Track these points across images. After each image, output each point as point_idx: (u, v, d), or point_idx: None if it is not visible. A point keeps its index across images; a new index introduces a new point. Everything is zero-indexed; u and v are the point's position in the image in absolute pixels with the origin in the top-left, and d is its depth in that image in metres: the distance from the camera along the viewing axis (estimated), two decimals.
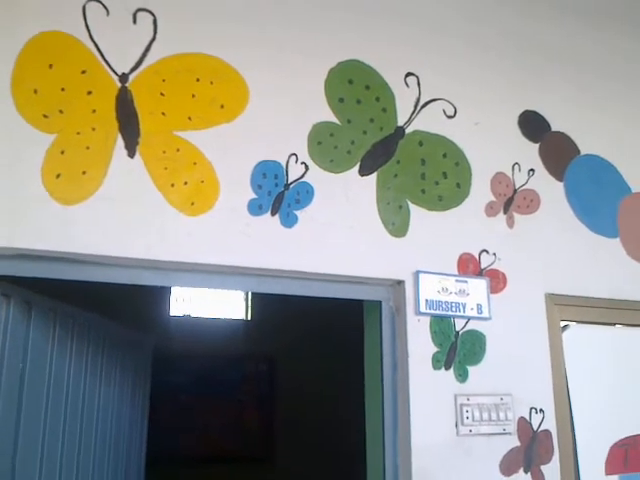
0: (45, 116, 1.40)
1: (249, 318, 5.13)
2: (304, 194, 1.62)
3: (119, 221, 1.41)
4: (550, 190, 1.98)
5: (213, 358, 4.76)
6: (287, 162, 1.62)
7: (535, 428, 1.72)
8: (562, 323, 1.86)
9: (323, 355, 4.69)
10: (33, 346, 1.59)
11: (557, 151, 2.04)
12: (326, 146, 1.68)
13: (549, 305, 1.84)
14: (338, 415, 4.46)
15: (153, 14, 1.58)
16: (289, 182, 1.61)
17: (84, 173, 1.40)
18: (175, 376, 4.61)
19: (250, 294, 5.09)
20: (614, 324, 1.95)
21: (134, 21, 1.55)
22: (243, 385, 4.89)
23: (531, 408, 1.73)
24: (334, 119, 1.71)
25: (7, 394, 1.42)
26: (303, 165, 1.64)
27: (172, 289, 4.83)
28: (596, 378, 1.86)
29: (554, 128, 2.06)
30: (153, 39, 1.56)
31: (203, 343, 4.69)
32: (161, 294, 4.84)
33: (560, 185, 2.01)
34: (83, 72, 1.47)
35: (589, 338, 1.90)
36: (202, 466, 4.51)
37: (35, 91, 1.41)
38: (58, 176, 1.38)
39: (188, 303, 5.07)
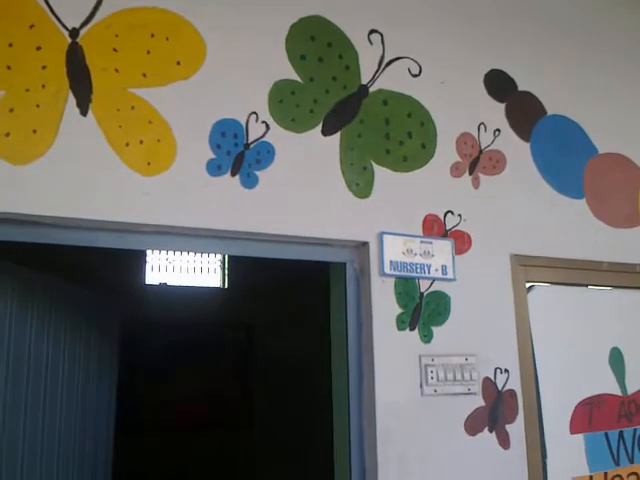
0: None
1: (225, 286, 5.29)
2: (265, 154, 1.68)
3: (72, 181, 1.45)
4: (516, 151, 2.08)
5: (190, 326, 4.95)
6: (247, 121, 1.67)
7: (500, 388, 1.84)
8: (527, 284, 1.97)
9: (299, 320, 4.84)
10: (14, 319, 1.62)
11: (523, 111, 2.13)
12: (287, 105, 1.74)
13: (514, 266, 1.95)
14: (316, 380, 4.60)
15: None
16: (249, 142, 1.66)
17: (34, 132, 1.44)
18: (152, 345, 4.81)
19: (226, 261, 5.26)
20: (579, 285, 2.07)
21: None
22: (221, 353, 5.09)
23: (496, 368, 1.84)
24: (296, 77, 1.77)
25: None
26: (264, 124, 1.69)
27: (147, 257, 4.96)
28: (561, 339, 1.99)
29: (520, 88, 2.15)
30: None
31: (180, 311, 4.86)
32: (135, 262, 4.95)
33: (526, 146, 2.11)
34: (31, 27, 1.49)
35: (554, 299, 2.02)
36: (180, 434, 4.74)
37: None
38: (7, 135, 1.41)
39: (164, 272, 5.20)
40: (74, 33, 1.53)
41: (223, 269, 5.44)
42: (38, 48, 1.48)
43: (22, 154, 1.42)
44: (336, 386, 1.77)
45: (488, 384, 1.82)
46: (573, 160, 2.17)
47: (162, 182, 1.54)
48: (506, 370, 1.86)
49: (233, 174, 1.63)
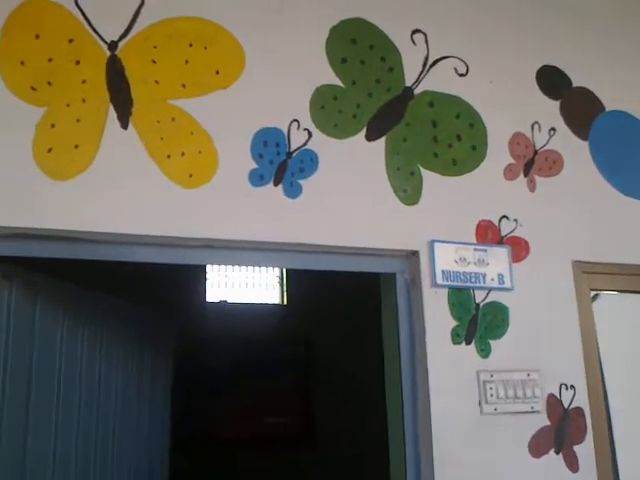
0: (33, 88, 1.47)
1: (285, 302, 5.41)
2: (308, 162, 1.68)
3: (113, 196, 1.48)
4: (574, 150, 2.03)
5: (250, 343, 5.11)
6: (289, 129, 1.68)
7: (566, 405, 1.78)
8: (591, 292, 1.91)
9: (360, 335, 4.86)
10: (41, 330, 1.67)
11: (580, 108, 2.08)
12: (329, 110, 1.74)
13: (577, 273, 1.89)
14: (377, 396, 4.61)
15: None
16: (292, 150, 1.67)
17: (76, 147, 1.48)
18: (213, 361, 5.00)
19: (285, 277, 5.38)
20: None
21: None
22: (281, 369, 5.21)
23: (561, 384, 1.78)
24: (337, 81, 1.77)
25: (15, 380, 1.49)
26: (306, 131, 1.70)
27: (207, 274, 5.13)
28: (630, 350, 1.91)
29: (576, 83, 2.10)
30: (142, 4, 1.63)
31: (239, 329, 5.03)
32: (196, 280, 5.11)
33: (584, 144, 2.06)
34: (70, 41, 1.54)
35: (621, 307, 1.95)
36: (241, 449, 4.86)
37: (22, 63, 1.49)
38: (50, 150, 1.45)
39: (223, 289, 5.36)
40: (113, 46, 1.57)
41: (282, 285, 5.56)
42: (77, 62, 1.53)
43: (64, 170, 1.46)
44: (390, 405, 1.74)
45: (553, 401, 1.76)
46: (636, 157, 2.10)
47: (204, 194, 1.56)
48: (572, 386, 1.79)
49: (276, 184, 1.63)
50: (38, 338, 1.59)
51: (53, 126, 1.47)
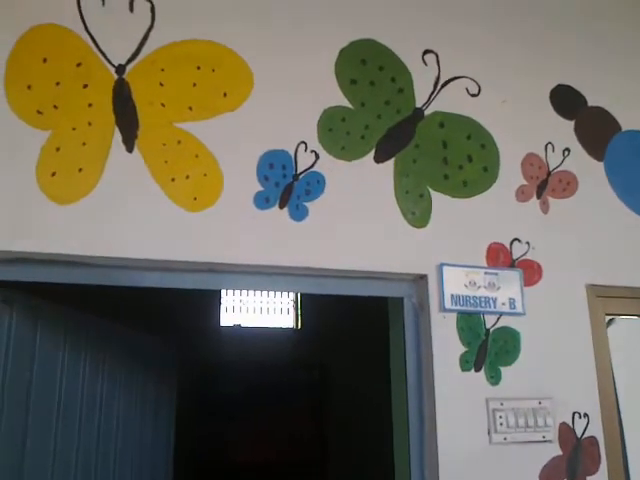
0: (39, 112, 1.47)
1: (299, 327, 5.39)
2: (315, 184, 1.65)
3: (116, 220, 1.47)
4: (589, 171, 1.98)
5: (264, 367, 5.13)
6: (296, 151, 1.66)
7: (579, 435, 1.72)
8: (606, 317, 1.85)
9: (374, 360, 4.81)
10: (41, 355, 1.66)
11: (595, 128, 2.03)
12: (337, 132, 1.72)
13: (591, 297, 1.84)
14: (390, 419, 4.58)
15: (151, 1, 1.64)
16: (298, 172, 1.65)
17: (80, 170, 1.47)
18: (227, 385, 5.04)
19: (299, 302, 5.37)
20: None
21: (131, 9, 1.62)
22: (295, 393, 5.18)
23: (574, 412, 1.73)
24: (346, 103, 1.75)
25: (13, 405, 1.49)
26: (313, 153, 1.67)
27: (221, 298, 5.14)
28: None
29: (591, 103, 2.05)
30: (151, 27, 1.62)
31: (254, 352, 5.02)
32: (211, 304, 5.13)
33: (600, 165, 2.00)
34: (78, 65, 1.54)
35: (638, 332, 1.88)
36: (255, 474, 4.86)
37: (29, 87, 1.49)
38: (53, 174, 1.45)
39: (238, 313, 5.38)
40: (120, 69, 1.56)
41: (296, 309, 5.56)
42: (85, 86, 1.53)
43: (68, 193, 1.45)
44: (397, 433, 1.70)
45: (565, 431, 1.70)
46: None
47: (208, 217, 1.54)
48: (585, 415, 1.73)
49: (281, 206, 1.61)
50: (38, 363, 1.58)
51: (58, 149, 1.46)
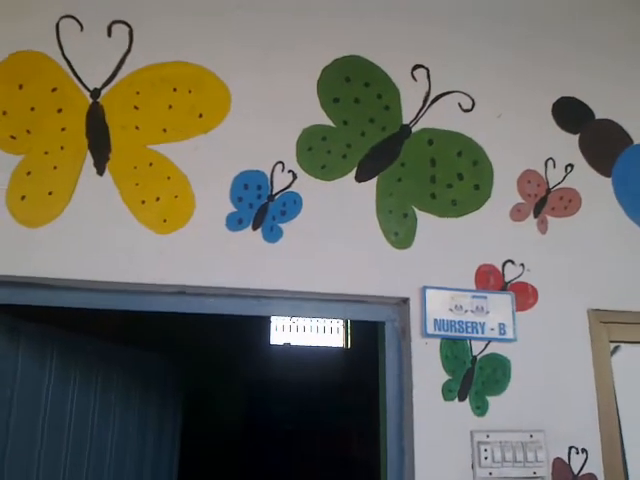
0: (12, 137, 1.47)
1: (348, 346, 5.31)
2: (291, 205, 1.58)
3: (85, 243, 1.44)
4: (594, 187, 1.82)
5: (313, 386, 4.98)
6: (272, 171, 1.59)
7: (576, 471, 1.56)
8: (611, 344, 1.68)
9: None
10: (23, 376, 1.64)
11: (603, 142, 1.88)
12: (317, 151, 1.64)
13: (594, 323, 1.68)
14: None
15: (129, 25, 1.62)
16: (274, 193, 1.58)
17: (50, 194, 1.45)
18: (275, 404, 4.97)
19: (349, 322, 5.29)
20: None
21: (109, 34, 1.60)
22: (344, 414, 5.02)
23: (570, 447, 1.57)
24: (328, 121, 1.67)
25: None
26: (290, 173, 1.60)
27: (272, 318, 5.14)
28: None
29: (599, 116, 1.90)
30: (128, 51, 1.60)
31: (302, 371, 4.93)
32: (262, 323, 5.13)
33: (607, 181, 1.85)
34: (54, 90, 1.53)
35: None
36: None
37: (4, 112, 1.49)
38: (23, 198, 1.43)
39: (288, 332, 5.37)
40: (95, 93, 1.55)
41: (346, 329, 5.50)
42: (59, 110, 1.51)
43: (37, 216, 1.43)
44: (382, 465, 1.58)
45: (560, 467, 1.55)
46: None
47: (178, 240, 1.50)
48: (584, 450, 1.57)
49: (255, 227, 1.54)
50: (20, 383, 1.56)
51: (29, 174, 1.45)
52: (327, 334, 5.53)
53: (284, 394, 4.93)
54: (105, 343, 2.01)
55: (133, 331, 3.75)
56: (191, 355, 3.41)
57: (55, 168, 1.48)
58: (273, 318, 5.27)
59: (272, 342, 5.26)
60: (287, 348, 5.25)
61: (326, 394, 4.99)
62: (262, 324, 5.22)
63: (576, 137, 1.87)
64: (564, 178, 1.81)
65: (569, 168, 1.81)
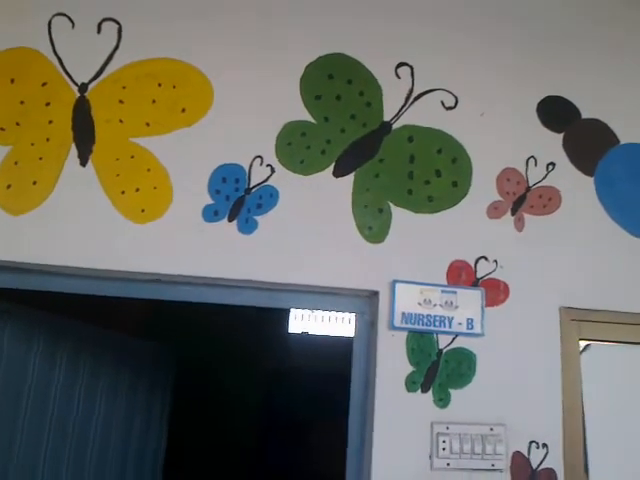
0: (2, 129, 1.54)
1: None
2: (267, 198, 1.62)
3: (66, 231, 1.51)
4: (576, 186, 1.81)
5: (330, 375, 5.02)
6: (250, 165, 1.63)
7: (535, 466, 1.57)
8: (582, 342, 1.68)
9: None
10: (9, 358, 1.71)
11: (587, 141, 1.86)
12: (297, 146, 1.67)
13: (564, 320, 1.68)
14: None
15: (118, 22, 1.67)
16: (251, 186, 1.62)
17: (34, 183, 1.52)
18: (295, 394, 4.98)
19: None
20: None
21: (98, 31, 1.66)
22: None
23: (531, 442, 1.58)
24: (309, 117, 1.70)
25: None
26: (269, 167, 1.64)
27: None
28: (624, 410, 1.66)
29: (586, 115, 1.87)
30: (116, 47, 1.65)
31: (320, 359, 5.00)
32: (281, 313, 5.22)
33: (589, 180, 1.83)
34: (44, 84, 1.59)
35: (617, 360, 1.70)
36: None
37: None
38: (9, 187, 1.51)
39: (306, 320, 5.45)
40: (83, 88, 1.60)
41: None
42: (47, 104, 1.58)
43: (20, 205, 1.50)
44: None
45: (519, 460, 1.57)
46: None
47: (155, 229, 1.55)
48: (544, 445, 1.58)
49: (230, 219, 1.59)
50: (5, 364, 1.64)
51: (16, 163, 1.52)
52: (345, 323, 5.56)
53: (302, 382, 4.99)
54: (93, 328, 2.09)
55: (147, 322, 3.88)
56: (185, 342, 3.49)
57: (40, 159, 1.54)
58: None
59: (290, 330, 5.34)
60: (305, 337, 5.32)
61: (342, 383, 5.04)
62: (281, 314, 5.28)
63: (560, 136, 1.85)
64: (545, 177, 1.80)
65: (550, 167, 1.80)
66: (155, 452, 2.60)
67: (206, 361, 4.47)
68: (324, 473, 4.82)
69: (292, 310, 5.35)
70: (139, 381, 2.39)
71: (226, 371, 4.80)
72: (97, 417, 2.09)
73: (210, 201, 1.59)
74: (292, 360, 4.93)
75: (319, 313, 5.46)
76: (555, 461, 1.58)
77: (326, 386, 4.92)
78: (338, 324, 5.51)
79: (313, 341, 5.22)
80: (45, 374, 1.81)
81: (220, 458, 4.64)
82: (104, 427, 2.13)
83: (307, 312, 5.47)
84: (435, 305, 1.62)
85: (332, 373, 4.94)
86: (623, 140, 1.88)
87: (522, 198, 1.77)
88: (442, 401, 1.57)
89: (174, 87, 1.65)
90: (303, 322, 5.47)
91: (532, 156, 1.80)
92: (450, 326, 1.61)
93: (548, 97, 1.87)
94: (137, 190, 1.56)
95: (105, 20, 1.66)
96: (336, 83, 1.74)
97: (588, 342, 1.70)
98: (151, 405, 2.52)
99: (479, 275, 1.68)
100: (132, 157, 1.58)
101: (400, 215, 1.69)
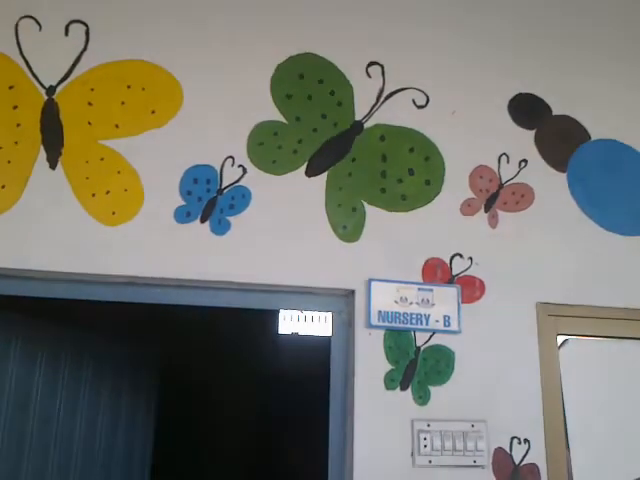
0: None
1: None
2: (239, 199, 1.60)
3: (36, 234, 1.48)
4: (548, 182, 1.82)
5: (319, 377, 4.97)
6: (222, 165, 1.61)
7: (517, 461, 1.56)
8: (559, 337, 1.67)
9: None
10: None
11: (559, 138, 1.87)
12: (268, 147, 1.66)
13: (542, 316, 1.67)
14: None
15: (86, 24, 1.65)
16: (223, 187, 1.60)
17: (3, 187, 1.49)
18: (283, 394, 4.89)
19: None
20: (626, 338, 1.72)
21: (66, 33, 1.63)
22: None
23: (513, 438, 1.57)
24: (280, 117, 1.69)
25: None
26: (240, 168, 1.62)
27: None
28: (602, 404, 1.65)
29: (557, 112, 1.88)
30: (84, 49, 1.63)
31: (309, 360, 4.94)
32: (269, 315, 5.17)
33: (562, 176, 1.84)
34: (11, 87, 1.57)
35: (594, 355, 1.70)
36: None
37: None
38: None
39: (295, 321, 5.40)
40: (51, 91, 1.58)
41: None
42: (15, 107, 1.55)
43: None
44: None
45: (501, 456, 1.55)
46: (624, 189, 1.85)
47: (126, 231, 1.52)
48: (526, 440, 1.57)
49: (203, 220, 1.57)
50: None
51: None
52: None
53: (291, 383, 4.95)
54: (74, 331, 2.05)
55: (133, 324, 3.81)
56: (170, 342, 3.44)
57: (9, 162, 1.51)
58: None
59: (280, 331, 5.28)
60: (294, 337, 5.27)
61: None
62: (270, 315, 5.24)
63: (532, 133, 1.86)
64: (517, 173, 1.80)
65: (523, 163, 1.81)
66: (142, 455, 2.56)
67: (190, 362, 4.41)
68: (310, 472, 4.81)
69: (281, 311, 5.31)
70: (122, 383, 2.35)
71: (212, 373, 4.74)
72: (80, 418, 2.05)
73: (182, 202, 1.57)
74: (280, 362, 4.88)
75: (307, 313, 5.41)
76: (537, 456, 1.57)
77: (316, 386, 4.90)
78: (325, 324, 5.46)
79: (303, 342, 5.18)
80: (23, 381, 1.77)
81: (209, 462, 4.57)
82: (87, 432, 2.09)
83: (295, 313, 5.43)
84: (411, 303, 1.61)
85: (321, 374, 4.94)
86: (594, 136, 1.89)
87: (495, 195, 1.77)
88: (422, 398, 1.55)
89: (143, 89, 1.63)
90: (292, 323, 5.42)
91: (504, 153, 1.80)
92: (427, 323, 1.60)
93: (519, 94, 1.88)
94: (108, 192, 1.53)
95: (73, 22, 1.65)
96: (307, 83, 1.74)
97: (566, 337, 1.69)
98: (135, 408, 2.48)
99: (455, 272, 1.67)
100: (102, 159, 1.55)
101: (374, 214, 1.68)
